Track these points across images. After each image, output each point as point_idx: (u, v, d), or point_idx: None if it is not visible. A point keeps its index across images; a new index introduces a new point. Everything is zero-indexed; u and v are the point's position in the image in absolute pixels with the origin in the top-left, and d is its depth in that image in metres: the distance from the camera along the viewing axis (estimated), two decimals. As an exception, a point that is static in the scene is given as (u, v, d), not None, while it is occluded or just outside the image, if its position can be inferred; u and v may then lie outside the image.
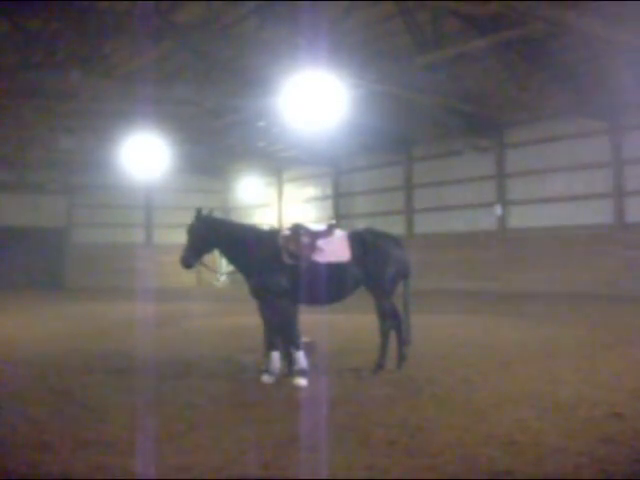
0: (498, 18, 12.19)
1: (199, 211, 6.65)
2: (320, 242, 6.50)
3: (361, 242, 6.67)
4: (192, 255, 6.59)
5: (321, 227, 6.80)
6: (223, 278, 7.59)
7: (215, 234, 6.58)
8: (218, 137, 22.43)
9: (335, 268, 6.46)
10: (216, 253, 6.97)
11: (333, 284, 6.47)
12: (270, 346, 6.48)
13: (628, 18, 11.50)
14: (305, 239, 6.48)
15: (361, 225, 17.87)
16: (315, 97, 12.08)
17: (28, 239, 25.41)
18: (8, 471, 3.90)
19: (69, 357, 8.07)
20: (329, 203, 25.80)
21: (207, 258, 6.94)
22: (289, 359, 6.52)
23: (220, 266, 13.67)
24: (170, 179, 25.84)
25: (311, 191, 26.91)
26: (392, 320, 6.77)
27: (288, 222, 21.35)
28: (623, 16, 11.47)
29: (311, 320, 7.50)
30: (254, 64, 14.90)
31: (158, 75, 15.69)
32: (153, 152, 18.74)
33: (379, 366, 6.62)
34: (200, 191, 28.88)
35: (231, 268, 7.12)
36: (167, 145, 19.04)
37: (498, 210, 19.85)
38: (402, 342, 6.84)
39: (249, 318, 10.32)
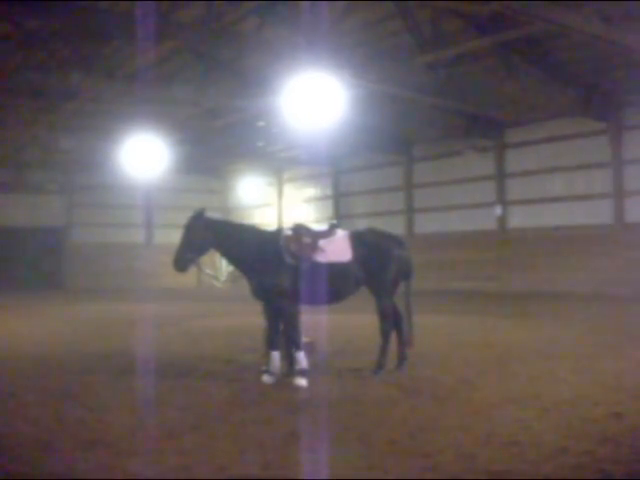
0: (498, 18, 12.19)
1: (200, 211, 6.49)
2: (321, 242, 6.50)
3: (362, 242, 6.67)
4: (187, 257, 6.45)
5: (322, 227, 6.79)
6: (220, 284, 7.55)
7: (214, 236, 6.47)
8: (218, 137, 22.41)
9: (336, 268, 6.45)
10: (216, 254, 6.92)
11: (334, 284, 6.46)
12: (271, 346, 6.48)
13: (628, 18, 11.50)
14: (307, 239, 6.47)
15: (361, 225, 17.86)
16: (315, 97, 12.06)
17: (27, 239, 25.38)
18: (8, 471, 3.90)
19: (69, 357, 8.07)
20: (329, 203, 25.79)
21: (205, 259, 6.86)
22: (289, 359, 6.52)
23: (220, 267, 13.68)
24: (170, 179, 25.81)
25: (311, 191, 26.90)
26: (393, 320, 6.77)
27: (289, 222, 21.33)
28: (623, 16, 11.48)
29: (311, 320, 7.50)
30: (254, 64, 14.90)
31: (158, 75, 15.69)
32: (153, 152, 18.72)
33: (379, 366, 6.62)
34: (200, 191, 28.87)
35: (231, 269, 7.10)
36: (167, 145, 19.02)
37: (498, 210, 19.84)
38: (403, 342, 6.85)
39: (249, 318, 10.33)
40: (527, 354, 7.84)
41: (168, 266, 6.80)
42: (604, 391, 5.74)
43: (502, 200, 19.82)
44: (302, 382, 6.13)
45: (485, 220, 20.30)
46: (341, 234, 6.69)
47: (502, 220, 19.86)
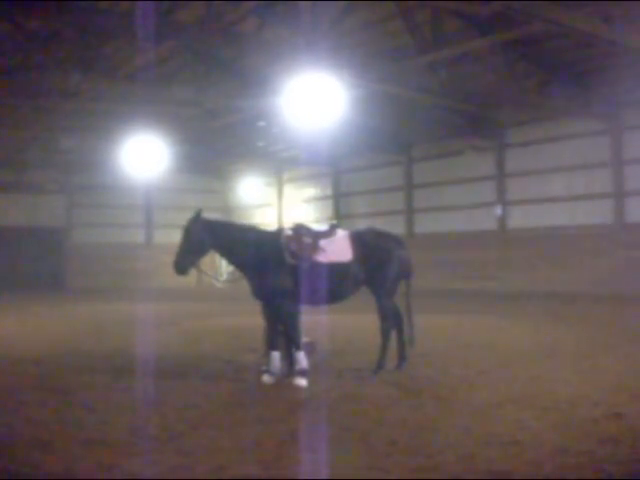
0: (498, 18, 12.19)
1: (197, 213, 6.47)
2: (322, 242, 6.50)
3: (363, 242, 6.67)
4: (187, 260, 6.44)
5: (323, 227, 6.80)
6: (220, 284, 7.56)
7: (214, 237, 6.46)
8: (218, 137, 22.43)
9: (337, 268, 6.45)
10: (216, 254, 6.91)
11: (335, 284, 6.46)
12: (271, 346, 6.48)
13: (628, 18, 11.51)
14: (307, 239, 6.47)
15: (361, 225, 17.86)
16: (315, 97, 12.07)
17: (28, 239, 25.40)
18: (8, 471, 3.90)
19: (69, 357, 8.07)
20: (329, 203, 25.80)
21: (204, 260, 6.85)
22: (290, 359, 6.52)
23: (220, 268, 13.67)
24: (170, 179, 25.85)
25: (311, 191, 26.92)
26: (393, 320, 6.77)
27: (289, 222, 21.31)
28: (623, 16, 11.48)
29: (311, 320, 7.50)
30: (254, 64, 14.91)
31: (158, 75, 15.69)
32: (153, 152, 18.73)
33: (379, 366, 6.62)
34: (200, 191, 28.89)
35: (231, 269, 7.10)
36: (167, 145, 19.03)
37: (498, 210, 19.84)
38: (403, 342, 6.85)
39: (249, 318, 10.32)
40: (527, 354, 7.83)
41: (168, 266, 6.80)
42: (604, 391, 5.73)
43: (502, 200, 19.82)
44: (302, 382, 6.13)
45: (485, 220, 20.30)
46: (341, 234, 6.69)
47: (502, 220, 19.86)
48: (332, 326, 9.91)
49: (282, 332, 6.54)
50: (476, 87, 16.48)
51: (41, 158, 24.24)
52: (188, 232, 6.44)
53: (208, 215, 6.70)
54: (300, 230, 6.57)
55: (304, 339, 6.66)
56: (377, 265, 6.63)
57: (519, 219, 19.53)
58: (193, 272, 6.68)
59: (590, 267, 17.13)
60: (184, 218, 6.67)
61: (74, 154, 23.94)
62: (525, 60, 14.62)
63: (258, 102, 16.12)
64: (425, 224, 22.14)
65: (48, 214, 26.39)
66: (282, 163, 26.76)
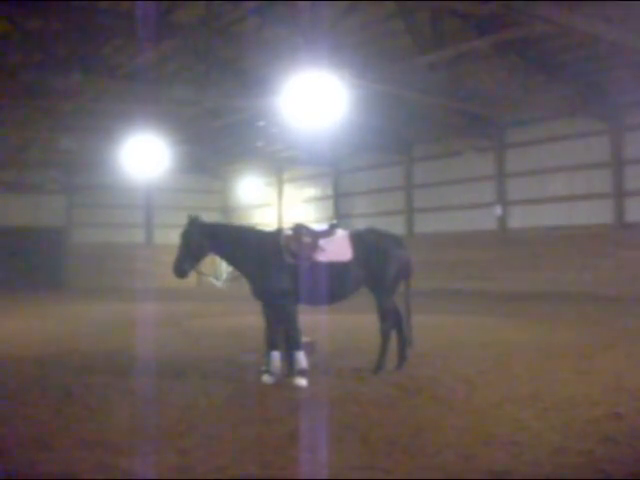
0: (498, 18, 12.19)
1: (194, 218, 6.51)
2: (322, 242, 6.50)
3: (363, 242, 6.66)
4: (187, 264, 6.45)
5: (323, 227, 6.80)
6: (220, 284, 7.58)
7: (212, 240, 6.47)
8: (218, 137, 22.43)
9: (337, 268, 6.45)
10: (215, 256, 6.90)
11: (335, 284, 6.46)
12: (271, 346, 6.48)
13: (629, 18, 11.50)
14: (307, 239, 6.47)
15: (361, 225, 17.86)
16: (315, 97, 12.06)
17: (28, 239, 25.40)
18: (8, 471, 3.90)
19: (69, 357, 8.07)
20: (329, 203, 25.79)
21: (204, 263, 6.83)
22: (290, 359, 6.51)
23: (220, 269, 13.64)
24: (170, 179, 25.84)
25: (311, 191, 26.92)
26: (393, 320, 6.77)
27: (289, 222, 21.34)
28: (623, 16, 11.48)
29: (311, 320, 7.50)
30: (254, 64, 14.92)
31: (158, 75, 15.69)
32: (153, 152, 18.72)
33: (379, 366, 6.62)
34: (200, 191, 28.92)
35: (231, 268, 7.09)
36: (167, 145, 19.02)
37: (498, 210, 19.84)
38: (403, 342, 6.85)
39: (249, 318, 10.34)
40: (527, 354, 7.84)
41: (168, 266, 6.80)
42: (604, 391, 5.74)
43: (502, 200, 19.82)
44: (302, 382, 6.12)
45: (485, 220, 20.30)
46: (341, 234, 6.69)
47: (502, 220, 19.86)
48: (332, 326, 9.91)
49: (282, 332, 6.54)
50: (476, 87, 16.48)
51: (41, 158, 24.24)
52: (186, 237, 6.46)
53: (205, 218, 6.72)
54: (300, 230, 6.57)
55: (304, 339, 6.66)
56: (377, 265, 6.63)
57: (519, 219, 19.54)
58: (193, 273, 6.68)
59: (590, 267, 17.13)
60: (184, 218, 6.67)
61: (74, 154, 23.93)
62: (525, 60, 14.62)
63: (258, 102, 16.12)
64: (425, 224, 22.14)
65: (48, 214, 26.40)
66: (282, 163, 26.76)
